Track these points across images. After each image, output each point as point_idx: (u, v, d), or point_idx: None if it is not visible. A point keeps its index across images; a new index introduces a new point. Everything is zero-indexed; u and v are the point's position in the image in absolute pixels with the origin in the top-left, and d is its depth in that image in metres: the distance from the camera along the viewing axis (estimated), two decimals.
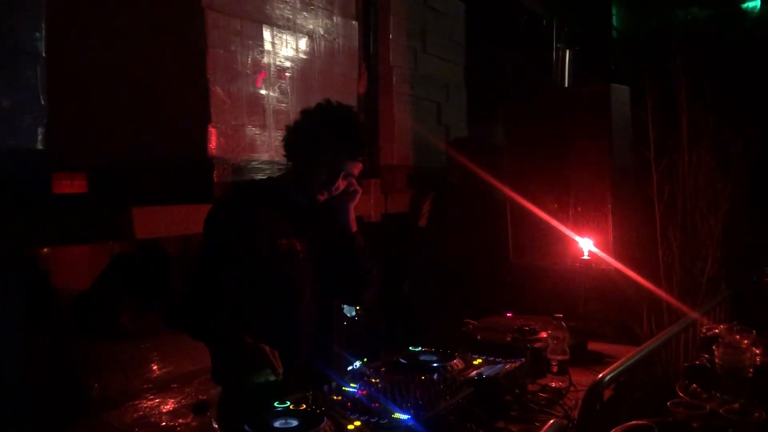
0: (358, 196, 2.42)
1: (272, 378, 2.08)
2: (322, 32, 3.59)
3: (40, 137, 2.31)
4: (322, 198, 2.33)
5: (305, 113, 2.38)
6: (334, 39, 3.70)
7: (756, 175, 4.40)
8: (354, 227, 2.43)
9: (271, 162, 3.18)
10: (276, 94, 3.27)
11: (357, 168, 2.36)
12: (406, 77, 4.50)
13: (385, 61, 4.36)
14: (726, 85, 4.09)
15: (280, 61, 3.30)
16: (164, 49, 2.94)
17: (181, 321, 2.39)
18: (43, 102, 2.31)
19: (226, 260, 2.19)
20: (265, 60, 3.21)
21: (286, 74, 3.34)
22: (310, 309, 2.34)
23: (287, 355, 2.23)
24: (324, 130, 2.30)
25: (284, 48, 3.32)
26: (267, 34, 3.21)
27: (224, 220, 2.25)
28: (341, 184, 2.34)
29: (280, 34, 3.29)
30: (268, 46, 3.21)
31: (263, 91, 3.19)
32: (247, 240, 2.21)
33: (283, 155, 2.40)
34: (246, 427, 1.70)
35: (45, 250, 3.14)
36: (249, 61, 3.11)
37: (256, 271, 2.23)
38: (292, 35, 3.37)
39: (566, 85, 6.68)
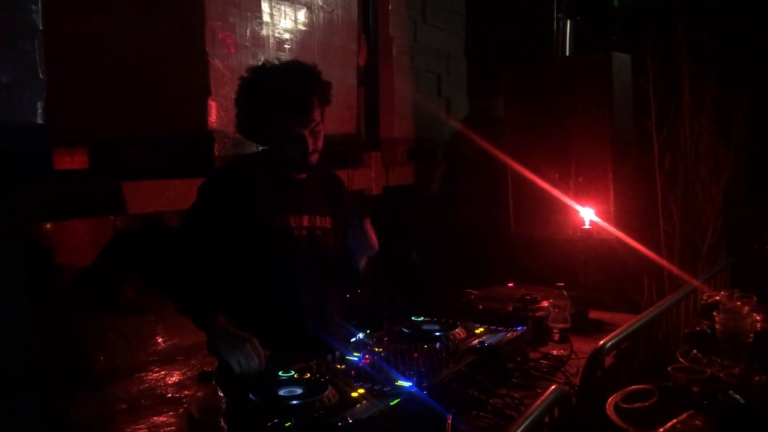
0: (374, 252, 2.32)
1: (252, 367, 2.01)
2: (320, 3, 3.57)
3: (39, 111, 2.29)
4: (313, 160, 2.26)
5: (238, 92, 2.24)
6: (333, 10, 3.67)
7: (757, 144, 4.38)
8: (361, 266, 2.37)
9: None
10: None
11: (316, 116, 2.21)
12: (405, 49, 4.47)
13: (384, 33, 4.33)
14: (728, 52, 4.05)
15: (279, 33, 3.28)
16: (162, 22, 2.92)
17: (154, 274, 2.35)
18: (41, 76, 2.30)
19: (212, 226, 2.18)
20: (264, 32, 3.18)
21: (285, 46, 3.32)
22: (310, 281, 2.33)
23: (291, 326, 2.25)
24: (259, 107, 2.17)
25: (283, 20, 3.30)
26: (265, 5, 3.19)
27: (218, 187, 2.24)
28: (318, 141, 2.24)
29: (278, 6, 3.27)
30: (266, 17, 3.19)
31: None
32: (239, 209, 2.19)
33: None
34: (251, 396, 1.72)
35: (48, 225, 3.15)
36: (248, 34, 3.09)
37: (252, 243, 2.22)
38: (290, 6, 3.35)
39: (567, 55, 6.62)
